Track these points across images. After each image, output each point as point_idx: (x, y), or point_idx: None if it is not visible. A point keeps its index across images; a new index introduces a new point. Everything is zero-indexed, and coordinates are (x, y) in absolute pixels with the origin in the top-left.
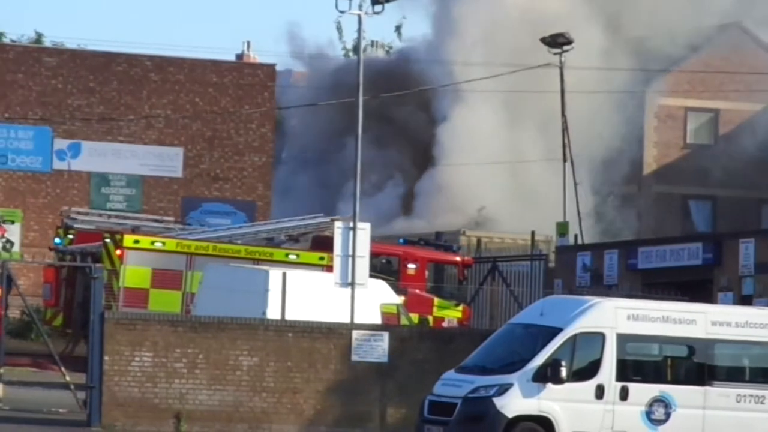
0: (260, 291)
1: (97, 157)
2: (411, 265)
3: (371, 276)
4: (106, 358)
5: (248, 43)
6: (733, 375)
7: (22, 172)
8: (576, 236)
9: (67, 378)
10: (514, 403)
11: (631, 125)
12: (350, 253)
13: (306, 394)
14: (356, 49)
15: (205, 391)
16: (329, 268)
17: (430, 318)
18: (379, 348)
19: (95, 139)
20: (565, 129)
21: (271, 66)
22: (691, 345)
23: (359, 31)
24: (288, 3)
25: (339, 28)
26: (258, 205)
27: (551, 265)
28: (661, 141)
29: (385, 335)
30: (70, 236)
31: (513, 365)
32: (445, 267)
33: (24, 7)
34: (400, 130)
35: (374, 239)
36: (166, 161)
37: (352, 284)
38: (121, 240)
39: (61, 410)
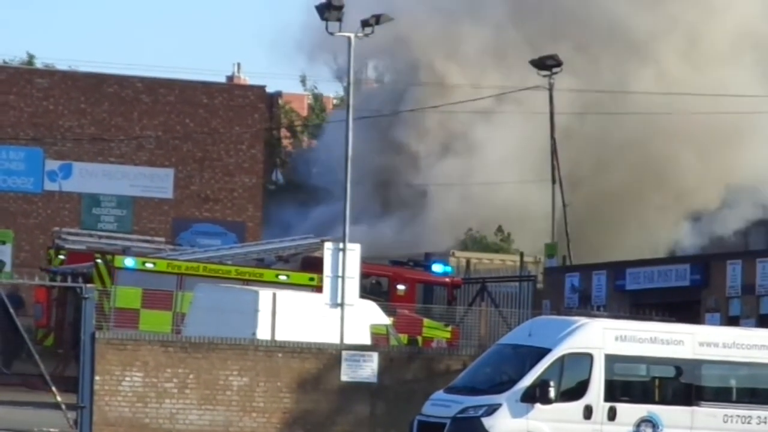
0: (250, 311)
1: (88, 177)
2: (400, 286)
3: (361, 297)
4: (96, 378)
5: (238, 64)
6: (721, 395)
7: (13, 193)
8: (564, 257)
9: (58, 398)
10: (502, 424)
11: None
12: (340, 273)
13: (296, 414)
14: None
15: (196, 411)
16: (319, 289)
17: (420, 338)
18: (369, 368)
19: (86, 160)
20: (554, 150)
21: (262, 87)
22: (679, 365)
23: (349, 52)
24: (280, 25)
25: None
26: (248, 226)
27: (540, 286)
28: None
29: (375, 356)
30: (62, 257)
31: (502, 386)
32: (435, 288)
33: (16, 28)
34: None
35: (364, 260)
36: (156, 182)
37: (342, 305)
38: (112, 260)
39: (52, 430)
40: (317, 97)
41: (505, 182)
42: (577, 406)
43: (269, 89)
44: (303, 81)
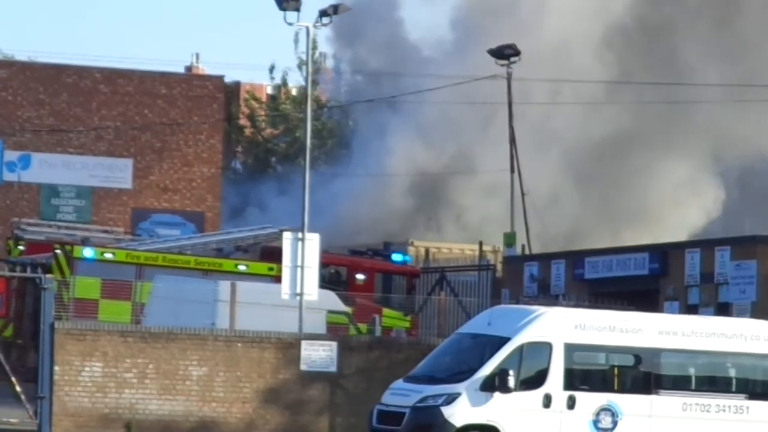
0: (210, 301)
1: (47, 168)
2: (359, 276)
3: (320, 286)
4: (56, 368)
5: (197, 55)
6: (679, 384)
7: None
8: (523, 246)
9: (18, 388)
10: (462, 413)
11: None
12: (299, 263)
13: (255, 403)
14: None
15: (155, 401)
16: (278, 279)
17: (379, 328)
18: (328, 358)
19: (45, 151)
20: (512, 139)
21: (220, 78)
22: (638, 354)
23: (308, 42)
24: (238, 15)
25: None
26: (207, 216)
27: (499, 275)
28: None
29: (334, 345)
30: (21, 247)
31: (461, 375)
32: (394, 277)
33: None
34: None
35: (323, 250)
36: (115, 172)
37: (301, 294)
38: (72, 251)
39: (12, 420)
40: (280, 87)
41: (462, 171)
42: (536, 395)
43: (228, 79)
44: (271, 69)
